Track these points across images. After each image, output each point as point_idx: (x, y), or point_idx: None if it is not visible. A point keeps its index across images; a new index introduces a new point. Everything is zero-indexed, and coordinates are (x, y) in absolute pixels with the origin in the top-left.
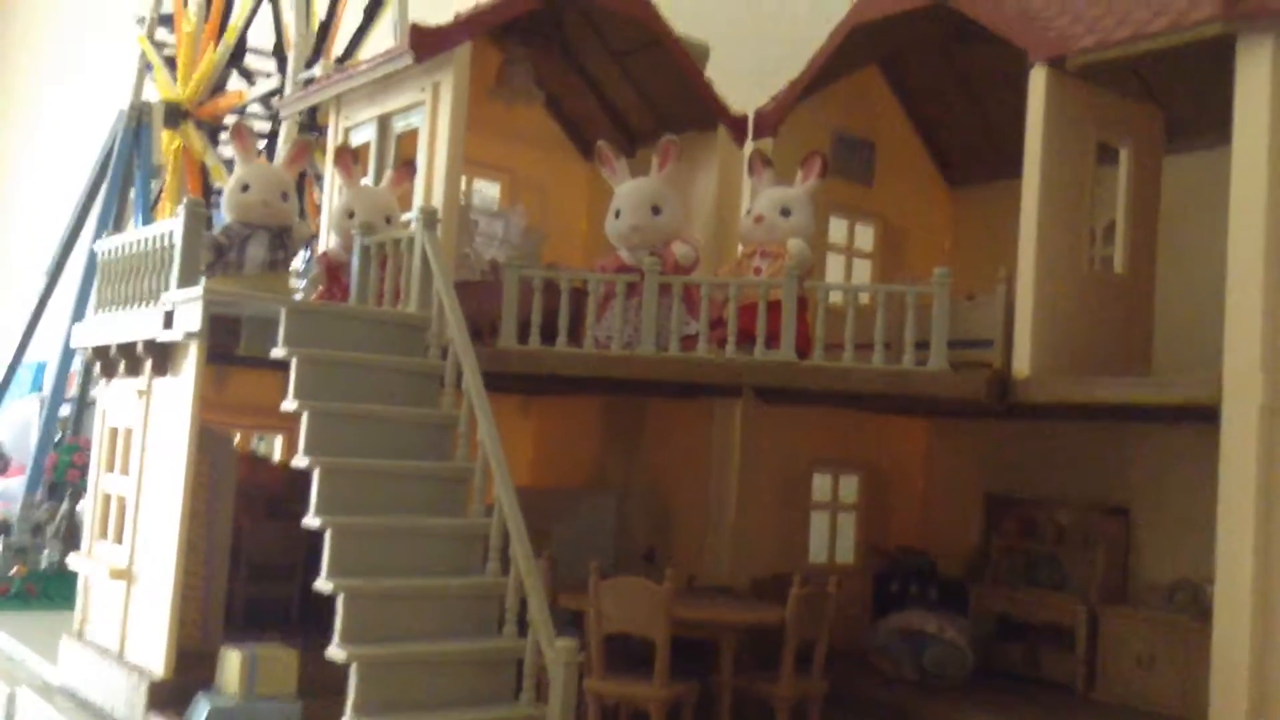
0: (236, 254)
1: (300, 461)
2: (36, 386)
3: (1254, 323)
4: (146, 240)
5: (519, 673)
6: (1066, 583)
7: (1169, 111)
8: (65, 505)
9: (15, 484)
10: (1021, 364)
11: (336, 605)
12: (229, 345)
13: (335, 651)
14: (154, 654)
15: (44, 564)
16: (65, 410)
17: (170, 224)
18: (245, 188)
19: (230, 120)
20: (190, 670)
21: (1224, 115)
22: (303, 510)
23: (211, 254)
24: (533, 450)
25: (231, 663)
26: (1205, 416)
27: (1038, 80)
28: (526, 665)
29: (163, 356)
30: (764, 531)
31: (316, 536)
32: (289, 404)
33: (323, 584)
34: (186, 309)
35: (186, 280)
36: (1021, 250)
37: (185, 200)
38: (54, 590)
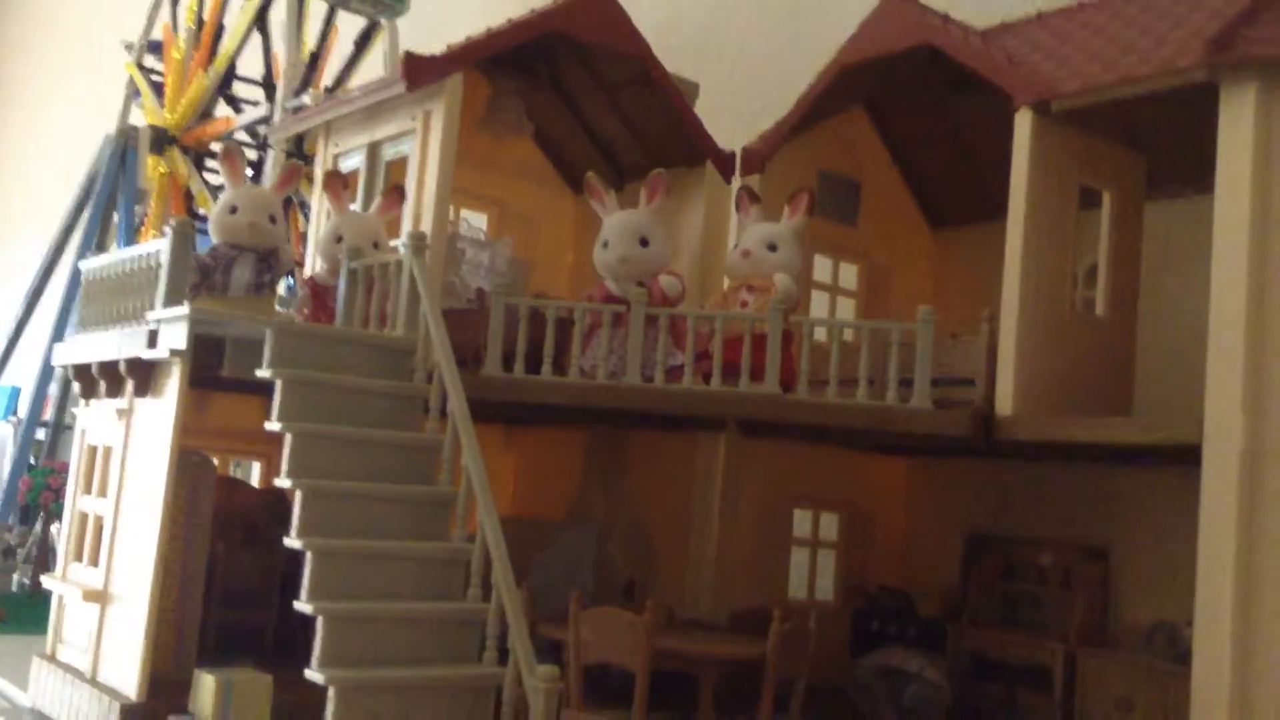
0: (222, 276)
1: (283, 482)
2: (9, 411)
3: (1236, 366)
4: (132, 259)
5: (498, 700)
6: (1045, 624)
7: (1152, 157)
8: (38, 528)
9: None
10: (1004, 402)
11: (316, 627)
12: (212, 366)
13: (314, 673)
14: (127, 677)
15: (14, 587)
16: (41, 434)
17: (157, 244)
18: (233, 210)
19: (217, 146)
20: (164, 694)
21: (1208, 161)
22: (280, 535)
23: (197, 275)
24: (514, 481)
25: (206, 687)
26: (1186, 459)
27: (1022, 124)
28: (506, 693)
29: (145, 376)
30: (744, 566)
31: (293, 563)
32: (273, 425)
33: (303, 605)
34: (171, 328)
35: (172, 300)
36: (1005, 291)
37: (174, 220)
38: (25, 614)
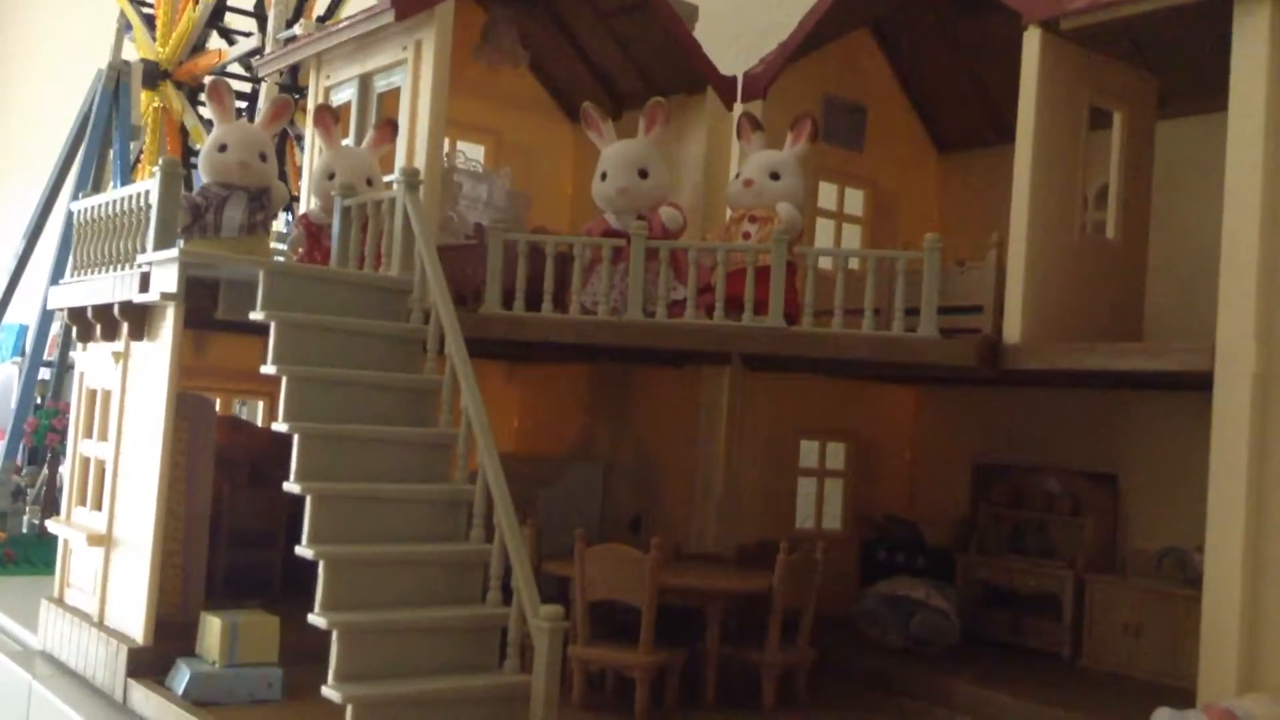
0: (214, 216)
1: (280, 427)
2: (17, 350)
3: (1248, 290)
4: (123, 201)
5: (503, 640)
6: (1054, 551)
7: (1163, 75)
8: (44, 470)
9: None
10: (1012, 330)
11: (317, 572)
12: (207, 309)
13: (317, 618)
14: (134, 620)
15: (24, 529)
16: (45, 374)
17: (147, 184)
18: (223, 148)
19: (209, 80)
20: (171, 637)
21: (1220, 80)
22: (284, 476)
23: (189, 216)
24: (518, 418)
25: (213, 629)
26: (1197, 384)
27: (1031, 42)
28: (511, 632)
29: (139, 319)
30: (751, 499)
31: (298, 503)
32: (268, 368)
33: (303, 550)
34: (163, 271)
35: (163, 242)
36: (1013, 215)
37: (161, 160)
38: (34, 555)
